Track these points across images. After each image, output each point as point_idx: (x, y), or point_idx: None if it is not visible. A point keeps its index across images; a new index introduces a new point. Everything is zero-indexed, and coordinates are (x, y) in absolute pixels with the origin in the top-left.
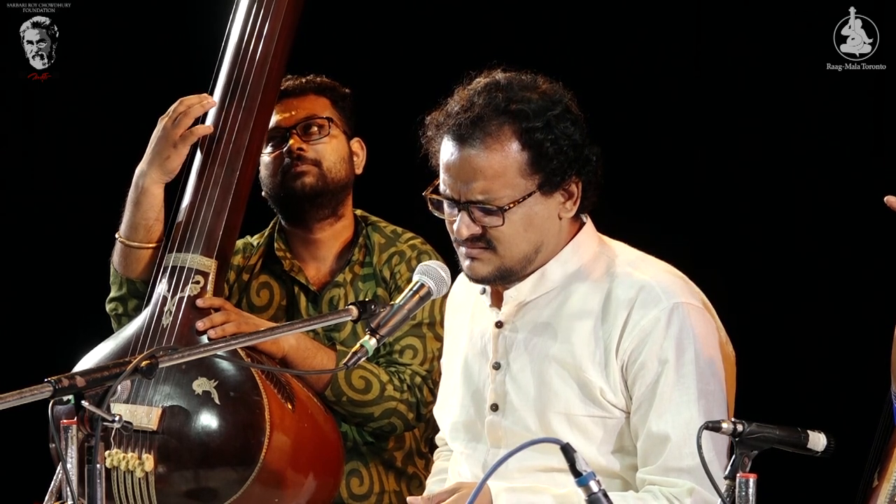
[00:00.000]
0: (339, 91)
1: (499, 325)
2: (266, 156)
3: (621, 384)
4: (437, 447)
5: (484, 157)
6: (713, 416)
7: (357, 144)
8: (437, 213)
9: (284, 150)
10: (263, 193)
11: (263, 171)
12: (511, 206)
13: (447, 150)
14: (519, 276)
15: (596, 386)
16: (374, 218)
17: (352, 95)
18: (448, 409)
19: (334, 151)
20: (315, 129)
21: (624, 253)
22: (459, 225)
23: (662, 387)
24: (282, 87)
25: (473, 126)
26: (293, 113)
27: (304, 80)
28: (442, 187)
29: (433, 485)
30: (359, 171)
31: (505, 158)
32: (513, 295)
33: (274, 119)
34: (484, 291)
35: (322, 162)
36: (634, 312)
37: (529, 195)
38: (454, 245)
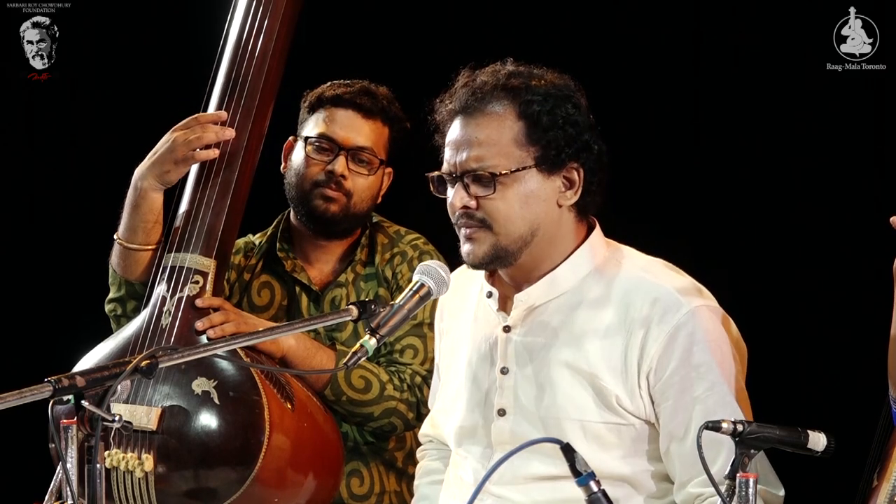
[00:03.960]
0: (403, 126)
1: (506, 329)
2: (305, 153)
3: (643, 391)
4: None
5: (480, 128)
6: (748, 412)
7: (388, 173)
8: (438, 194)
9: (328, 166)
10: (285, 183)
11: (296, 165)
12: (504, 173)
13: (450, 128)
14: (515, 258)
15: (612, 393)
16: (378, 217)
17: (409, 131)
18: (452, 413)
19: (368, 188)
20: (365, 162)
21: (634, 258)
22: (454, 196)
23: (702, 392)
24: (357, 90)
25: (473, 98)
26: (354, 134)
27: (378, 98)
28: (444, 165)
29: (425, 486)
30: (378, 200)
31: (501, 127)
32: (522, 299)
33: (333, 124)
34: (490, 295)
35: (353, 195)
36: (656, 320)
37: (524, 168)
38: (455, 229)
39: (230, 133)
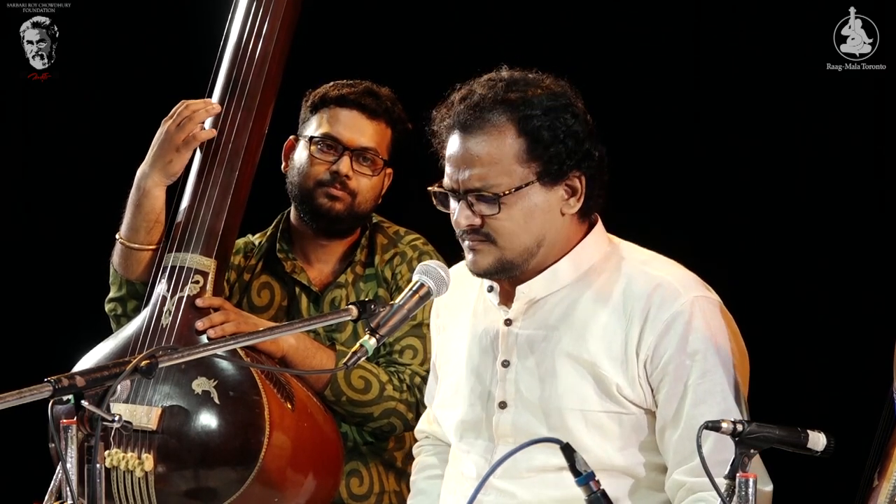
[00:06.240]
0: (405, 127)
1: (508, 322)
2: (309, 152)
3: (642, 380)
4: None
5: (481, 145)
6: (742, 406)
7: (388, 174)
8: (441, 208)
9: (332, 165)
10: (287, 182)
11: (299, 164)
12: (507, 193)
13: (449, 142)
14: (520, 269)
15: (612, 382)
16: (378, 218)
17: (411, 132)
18: (452, 407)
19: (372, 189)
20: (369, 161)
21: (635, 252)
22: (458, 215)
23: (695, 380)
24: (361, 90)
25: (472, 114)
26: (358, 134)
27: (382, 99)
28: (446, 180)
29: (423, 481)
30: (379, 200)
31: (501, 145)
32: (524, 291)
33: (337, 124)
34: (491, 289)
35: (357, 195)
36: (654, 308)
37: (527, 184)
38: (459, 240)
39: (217, 108)
